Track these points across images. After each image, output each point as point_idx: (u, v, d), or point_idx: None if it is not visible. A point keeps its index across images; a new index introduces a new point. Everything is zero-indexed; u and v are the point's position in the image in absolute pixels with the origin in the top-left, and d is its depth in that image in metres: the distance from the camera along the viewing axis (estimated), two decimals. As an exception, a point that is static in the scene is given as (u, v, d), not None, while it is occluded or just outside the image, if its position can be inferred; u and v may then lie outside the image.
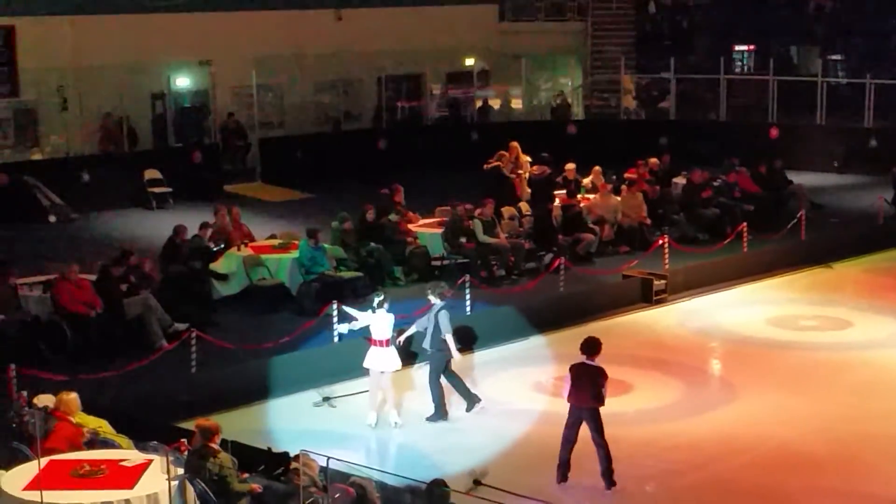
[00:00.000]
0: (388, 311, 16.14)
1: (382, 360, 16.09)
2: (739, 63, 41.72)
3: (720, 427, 16.22)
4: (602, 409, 14.10)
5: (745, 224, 24.50)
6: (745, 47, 41.57)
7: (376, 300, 16.23)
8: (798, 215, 25.41)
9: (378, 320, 16.08)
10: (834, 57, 39.30)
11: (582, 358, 14.15)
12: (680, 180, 27.43)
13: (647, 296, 22.10)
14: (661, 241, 23.21)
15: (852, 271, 24.72)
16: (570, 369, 14.21)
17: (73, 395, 13.63)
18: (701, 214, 25.97)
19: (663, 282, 22.33)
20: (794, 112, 36.81)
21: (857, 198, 30.21)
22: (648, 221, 25.10)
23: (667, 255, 22.99)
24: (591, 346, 14.19)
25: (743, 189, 27.35)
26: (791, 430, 16.01)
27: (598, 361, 14.12)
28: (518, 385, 17.98)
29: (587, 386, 13.97)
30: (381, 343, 16.07)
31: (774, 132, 33.85)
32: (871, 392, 17.48)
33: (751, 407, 17.00)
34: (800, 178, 29.73)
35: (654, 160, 28.07)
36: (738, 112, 37.45)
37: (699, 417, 16.61)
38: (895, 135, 34.15)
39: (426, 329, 16.43)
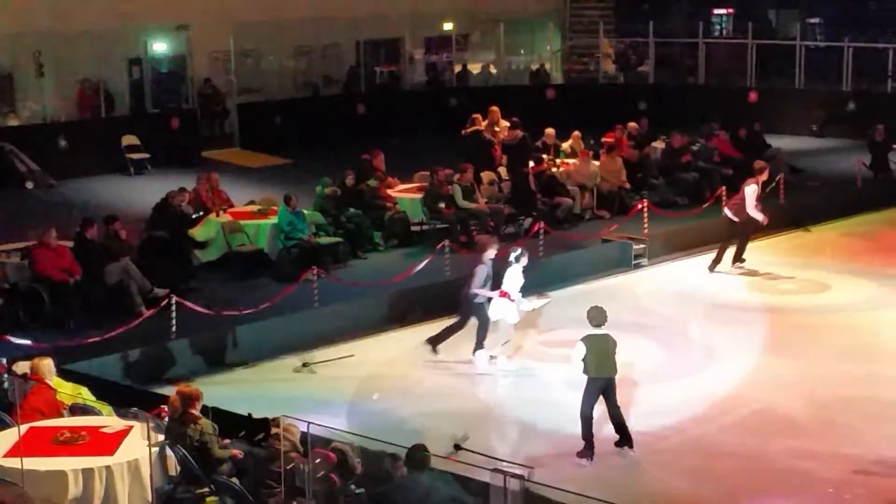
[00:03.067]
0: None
1: (510, 311, 16.75)
2: (718, 27, 41.67)
3: (701, 390, 16.27)
4: (581, 374, 14.10)
5: (724, 188, 24.49)
6: (723, 11, 41.54)
7: (513, 255, 16.94)
8: (777, 179, 25.43)
9: (514, 274, 16.72)
10: (812, 20, 39.28)
11: (591, 329, 14.12)
12: (659, 144, 27.41)
13: (627, 260, 22.13)
14: (640, 206, 23.20)
15: (830, 235, 24.80)
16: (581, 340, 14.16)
17: (48, 360, 13.57)
18: (680, 178, 25.96)
19: (643, 246, 22.38)
20: (773, 76, 36.80)
21: (835, 161, 30.25)
22: (628, 186, 25.07)
23: (646, 220, 23.00)
24: (597, 317, 14.16)
25: (722, 153, 27.35)
26: (771, 393, 16.07)
27: (585, 325, 14.11)
28: (498, 349, 17.96)
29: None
30: (507, 295, 16.67)
31: (753, 96, 33.85)
32: (849, 355, 17.55)
33: (731, 370, 17.05)
34: (778, 142, 29.73)
35: (632, 124, 28.01)
36: (717, 76, 37.41)
37: (680, 381, 16.66)
38: (873, 98, 34.18)
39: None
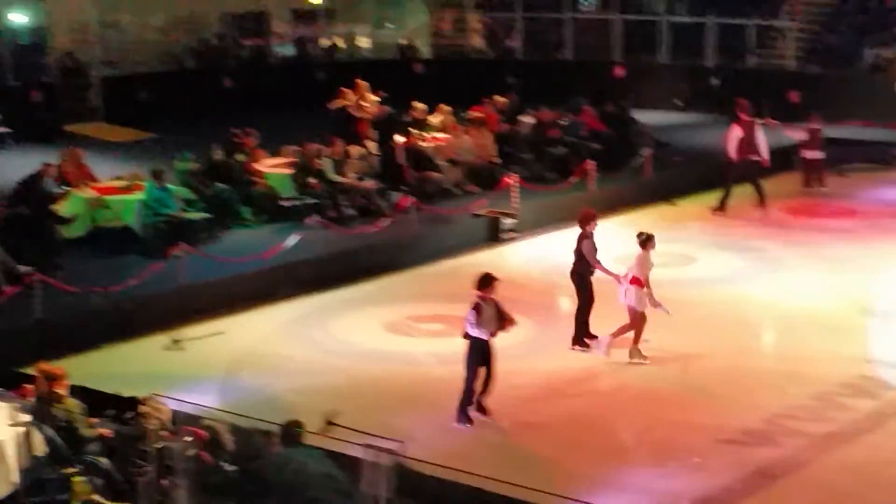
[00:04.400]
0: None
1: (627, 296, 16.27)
2: (585, 2, 41.92)
3: (571, 363, 16.42)
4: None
5: (592, 162, 24.74)
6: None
7: (640, 239, 16.33)
8: (643, 153, 25.75)
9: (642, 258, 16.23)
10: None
11: (478, 294, 14.18)
12: (528, 119, 27.53)
13: (498, 234, 22.23)
14: (509, 180, 23.31)
15: (696, 208, 25.18)
16: (470, 306, 14.20)
17: None
18: (549, 153, 26.13)
19: (512, 221, 22.49)
20: (639, 51, 37.20)
21: (699, 136, 30.70)
22: (497, 160, 25.16)
23: (516, 194, 23.11)
24: (487, 280, 14.24)
25: (590, 128, 27.60)
26: (638, 366, 16.27)
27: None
28: (370, 325, 17.96)
29: (489, 322, 14.10)
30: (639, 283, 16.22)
31: (620, 71, 34.20)
32: (715, 326, 17.85)
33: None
34: (645, 117, 30.06)
35: (501, 99, 28.12)
36: (584, 51, 37.69)
37: (550, 354, 16.78)
38: (736, 74, 34.76)
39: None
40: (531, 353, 16.62)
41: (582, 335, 16.84)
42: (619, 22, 37.09)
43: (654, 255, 16.71)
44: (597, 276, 16.89)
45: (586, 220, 16.98)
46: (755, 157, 24.59)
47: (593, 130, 27.51)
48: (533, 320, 17.91)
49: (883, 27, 34.56)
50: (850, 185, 26.47)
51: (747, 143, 24.55)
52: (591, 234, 16.90)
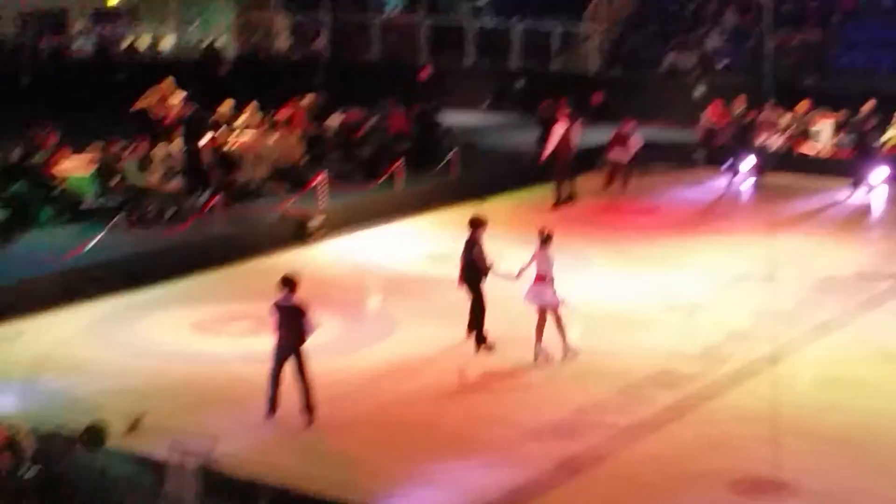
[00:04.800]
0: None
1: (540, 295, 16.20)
2: (392, 4, 42.00)
3: (379, 361, 16.41)
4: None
5: (400, 162, 24.80)
6: (396, -11, 41.89)
7: (541, 236, 16.32)
8: (451, 153, 25.92)
9: (541, 257, 16.18)
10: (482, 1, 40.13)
11: (282, 295, 13.99)
12: (335, 119, 27.46)
13: (305, 234, 22.11)
14: (317, 180, 23.20)
15: (502, 207, 25.41)
16: (273, 307, 14.03)
17: None
18: (356, 153, 26.11)
19: (320, 220, 22.40)
20: (446, 53, 37.43)
21: (506, 137, 31.05)
22: (304, 159, 25.02)
23: (324, 194, 23.00)
24: (289, 282, 14.10)
25: (397, 129, 27.67)
26: (448, 363, 16.35)
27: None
28: (177, 326, 17.66)
29: (292, 324, 13.91)
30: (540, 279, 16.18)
31: (426, 73, 34.32)
32: (522, 323, 17.99)
33: (409, 340, 17.27)
34: (452, 118, 30.31)
35: (308, 99, 27.99)
36: (391, 52, 37.78)
37: (358, 353, 16.76)
38: (541, 76, 35.25)
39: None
40: (340, 352, 16.54)
41: (482, 338, 16.86)
42: (425, 23, 37.28)
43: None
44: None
45: (477, 226, 17.00)
46: (567, 153, 25.24)
47: (401, 131, 27.59)
48: (343, 318, 17.84)
49: (681, 32, 35.49)
50: (652, 185, 27.07)
51: (564, 141, 25.18)
52: (481, 239, 16.89)
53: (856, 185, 26.50)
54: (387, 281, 20.39)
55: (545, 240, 16.46)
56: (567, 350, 16.50)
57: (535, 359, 16.38)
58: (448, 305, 18.78)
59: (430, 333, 17.53)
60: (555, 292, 16.37)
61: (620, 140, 26.99)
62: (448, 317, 18.18)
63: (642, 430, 14.27)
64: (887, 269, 20.78)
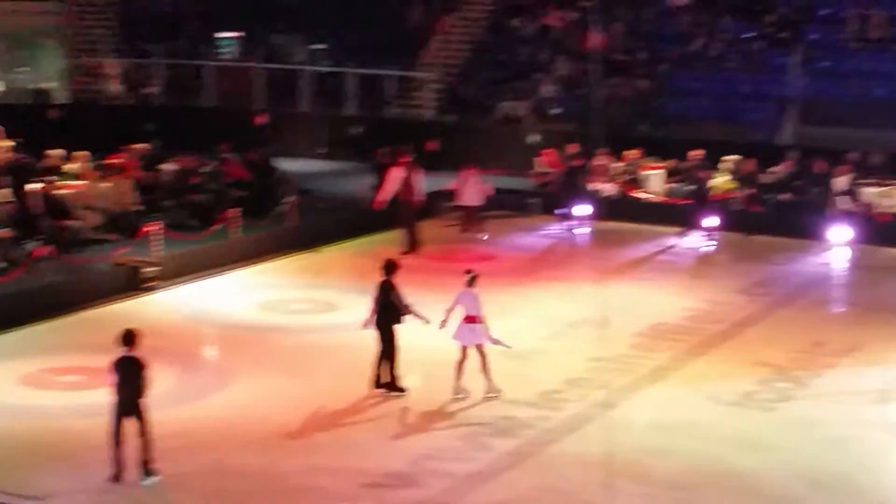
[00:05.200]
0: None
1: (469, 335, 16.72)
2: (226, 49, 41.74)
3: (215, 412, 16.22)
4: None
5: (235, 210, 24.61)
6: (231, 34, 41.64)
7: (468, 277, 16.92)
8: (287, 201, 25.82)
9: (467, 297, 16.73)
10: (318, 46, 40.16)
11: (121, 351, 13.70)
12: (169, 166, 27.14)
13: (139, 283, 21.76)
14: (151, 228, 22.87)
15: (339, 255, 25.43)
16: (112, 364, 13.71)
17: None
18: (191, 200, 25.82)
19: (154, 269, 22.07)
20: (282, 99, 37.35)
21: (342, 183, 31.06)
22: (138, 207, 24.65)
23: (158, 242, 22.69)
24: (129, 338, 13.83)
25: (232, 175, 27.47)
26: (285, 412, 16.22)
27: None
28: (3, 379, 17.18)
29: (130, 379, 13.62)
30: (471, 319, 16.68)
31: (262, 119, 34.18)
32: (358, 371, 17.94)
33: (245, 391, 17.11)
34: (288, 165, 30.22)
35: (141, 146, 27.63)
36: (226, 99, 37.53)
37: (193, 404, 16.54)
38: (377, 122, 35.41)
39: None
40: (173, 404, 16.21)
41: (396, 384, 16.94)
42: (261, 70, 37.18)
43: (299, 302, 16.80)
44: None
45: (392, 270, 17.18)
46: (412, 199, 25.50)
47: (236, 178, 27.39)
48: (176, 370, 17.57)
49: (515, 80, 36.00)
50: (488, 232, 27.30)
51: (408, 188, 25.41)
52: (396, 283, 17.02)
53: (687, 231, 27.13)
54: (222, 330, 20.17)
55: (471, 281, 16.99)
56: (491, 389, 16.74)
57: (455, 395, 16.70)
58: (283, 355, 18.72)
59: (265, 383, 17.40)
60: (484, 332, 16.79)
61: (470, 186, 27.19)
62: (284, 366, 18.11)
63: (481, 478, 14.34)
64: (715, 315, 21.29)
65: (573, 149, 29.61)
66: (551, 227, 28.32)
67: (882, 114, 31.89)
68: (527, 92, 35.74)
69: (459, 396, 16.80)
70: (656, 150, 31.04)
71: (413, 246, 25.47)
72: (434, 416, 16.20)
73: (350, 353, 18.81)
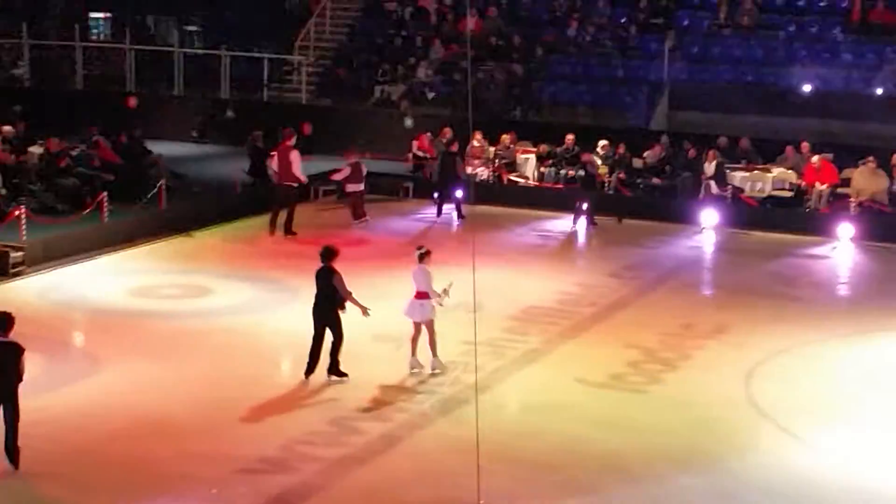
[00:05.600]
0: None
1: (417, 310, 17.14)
2: (96, 31, 41.09)
3: (83, 399, 15.98)
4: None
5: (105, 193, 24.25)
6: (100, 14, 41.01)
7: (417, 253, 17.25)
8: (158, 185, 25.51)
9: (419, 273, 17.09)
10: (191, 28, 39.74)
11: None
12: (36, 149, 26.64)
13: (4, 269, 21.32)
14: (17, 212, 22.44)
15: (212, 239, 25.21)
16: None
17: None
18: (59, 184, 25.38)
19: (21, 254, 21.66)
20: (153, 82, 36.90)
21: (215, 167, 30.80)
22: (3, 192, 24.17)
23: (24, 227, 22.27)
24: (2, 322, 13.63)
25: (102, 158, 27.08)
26: (155, 399, 16.04)
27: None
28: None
29: (6, 365, 13.41)
30: (421, 296, 17.04)
31: (133, 101, 33.71)
32: (232, 357, 17.89)
33: (115, 377, 16.87)
34: (160, 148, 29.84)
35: (7, 128, 27.10)
36: (96, 81, 36.95)
37: (61, 391, 16.26)
38: (250, 106, 35.14)
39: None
40: (40, 392, 15.87)
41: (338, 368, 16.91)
42: (130, 52, 36.66)
43: (172, 287, 16.59)
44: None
45: (332, 256, 17.06)
46: (292, 183, 25.39)
47: (106, 161, 26.98)
48: (43, 357, 17.23)
49: (390, 64, 35.98)
50: (369, 216, 27.23)
51: (286, 170, 25.31)
52: (336, 269, 16.94)
53: (577, 216, 27.21)
54: (91, 316, 19.87)
55: (422, 256, 17.26)
56: (436, 365, 17.18)
57: (411, 370, 17.19)
58: (154, 341, 18.50)
59: (136, 369, 17.17)
60: (433, 308, 17.13)
61: (355, 170, 27.05)
62: (155, 352, 17.90)
63: (353, 462, 14.33)
64: (587, 299, 21.53)
65: (448, 133, 29.69)
66: (425, 211, 28.39)
67: (751, 99, 32.55)
68: (402, 76, 35.76)
69: (415, 371, 17.22)
70: (530, 134, 31.29)
71: (274, 228, 25.30)
72: (307, 402, 16.15)
73: (222, 339, 18.69)
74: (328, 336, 16.87)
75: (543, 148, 30.26)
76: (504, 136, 30.49)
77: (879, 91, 32.74)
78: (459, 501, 13.08)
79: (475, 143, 29.92)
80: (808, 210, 27.66)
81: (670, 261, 24.89)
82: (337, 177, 27.15)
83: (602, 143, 29.28)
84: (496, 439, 14.55)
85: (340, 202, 27.79)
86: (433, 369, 17.24)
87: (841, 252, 25.88)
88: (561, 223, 27.54)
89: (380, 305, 17.66)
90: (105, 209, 24.11)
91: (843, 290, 23.78)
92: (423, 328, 17.27)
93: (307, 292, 21.06)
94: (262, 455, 14.33)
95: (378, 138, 32.04)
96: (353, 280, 20.93)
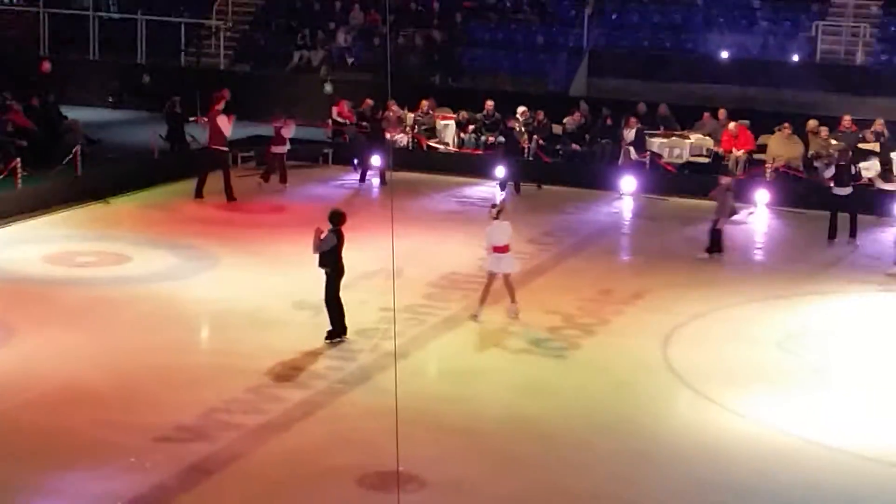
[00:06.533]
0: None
1: (501, 263, 18.10)
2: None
3: (-2, 367, 15.76)
4: None
5: (18, 159, 23.87)
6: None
7: (493, 211, 18.35)
8: (73, 150, 25.16)
9: (496, 229, 18.08)
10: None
11: None
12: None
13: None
14: (-71, 178, 22.06)
15: (129, 206, 24.95)
16: None
17: None
18: (-28, 150, 24.96)
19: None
20: (68, 46, 36.35)
21: (132, 133, 30.44)
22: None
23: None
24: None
25: (16, 124, 26.62)
26: (72, 367, 15.87)
27: None
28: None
29: None
30: (501, 249, 18.00)
31: (46, 66, 33.12)
32: (150, 324, 17.74)
33: (31, 347, 16.65)
34: (74, 113, 29.48)
35: (-81, 93, 26.60)
36: (7, 44, 36.30)
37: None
38: (167, 71, 34.74)
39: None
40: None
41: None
42: (44, 15, 36.08)
43: (88, 254, 16.32)
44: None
45: (342, 220, 17.04)
46: (222, 147, 25.27)
47: (19, 126, 26.55)
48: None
49: (309, 29, 35.71)
50: (278, 181, 27.07)
51: (215, 134, 25.12)
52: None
53: (503, 185, 27.20)
54: (5, 285, 19.54)
55: (497, 214, 18.28)
56: (512, 310, 18.37)
57: (473, 314, 18.28)
58: (70, 309, 18.29)
59: (51, 338, 16.96)
60: (514, 260, 18.50)
61: (279, 134, 26.89)
62: (70, 320, 17.71)
63: (272, 429, 14.29)
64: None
65: (367, 99, 29.52)
66: (345, 178, 28.30)
67: (669, 66, 32.76)
68: (322, 41, 35.52)
69: (478, 320, 18.13)
70: (450, 100, 31.24)
71: (202, 193, 25.18)
72: (226, 370, 16.03)
73: (142, 307, 18.51)
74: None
75: (464, 114, 30.24)
76: (423, 102, 30.41)
77: (795, 58, 33.09)
78: (379, 467, 13.09)
79: (394, 110, 29.73)
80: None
81: (589, 227, 25.03)
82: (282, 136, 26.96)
83: (521, 109, 29.30)
84: (416, 406, 14.58)
85: (259, 170, 27.56)
86: (510, 314, 18.28)
87: (757, 217, 26.17)
88: (481, 189, 27.57)
89: (299, 273, 17.60)
90: (19, 175, 23.72)
91: (759, 255, 24.07)
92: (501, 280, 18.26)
93: (227, 259, 21.05)
94: (179, 423, 14.23)
95: (298, 104, 31.82)
96: (273, 247, 20.95)
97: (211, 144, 25.28)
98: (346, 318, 17.05)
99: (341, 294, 17.05)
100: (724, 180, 22.27)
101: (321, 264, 16.99)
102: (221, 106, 25.36)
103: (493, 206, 19.05)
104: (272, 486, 12.90)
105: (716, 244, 22.17)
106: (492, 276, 18.28)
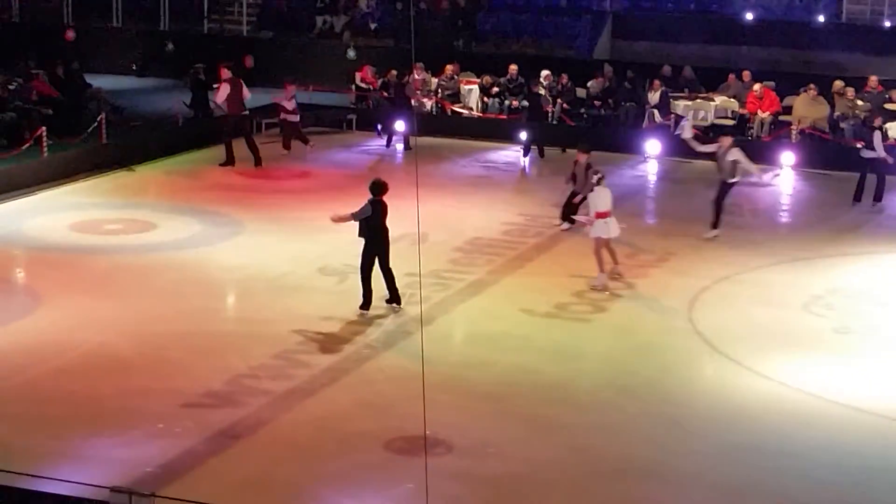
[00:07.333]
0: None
1: (609, 228, 18.25)
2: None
3: (25, 336, 15.84)
4: None
5: (44, 128, 23.93)
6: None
7: (595, 178, 18.62)
8: (98, 119, 25.22)
9: (599, 195, 18.29)
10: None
11: None
12: (-28, 84, 26.24)
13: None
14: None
15: (154, 173, 25.00)
16: None
17: None
18: (-1, 118, 25.06)
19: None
20: (92, 14, 36.36)
21: (156, 101, 30.46)
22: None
23: (-38, 162, 22.01)
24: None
25: (40, 93, 26.70)
26: (99, 335, 15.93)
27: None
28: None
29: None
30: (605, 214, 18.12)
31: (70, 34, 33.20)
32: (177, 291, 17.78)
33: (57, 314, 16.73)
34: (99, 81, 29.49)
35: (-57, 62, 26.66)
36: (33, 13, 36.35)
37: (5, 328, 16.10)
38: (191, 39, 34.73)
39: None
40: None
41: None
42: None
43: (114, 222, 16.36)
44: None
45: (384, 189, 17.18)
46: (245, 113, 25.39)
47: (44, 95, 26.61)
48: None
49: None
50: (305, 149, 27.02)
51: (236, 101, 25.12)
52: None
53: (527, 149, 27.10)
54: (31, 253, 19.65)
55: (599, 180, 18.57)
56: (614, 271, 18.62)
57: (601, 287, 18.27)
58: (95, 277, 18.36)
59: (78, 306, 17.03)
60: (616, 225, 18.45)
61: (292, 101, 26.86)
62: (96, 289, 17.77)
63: (299, 395, 14.33)
64: (532, 229, 21.57)
65: (392, 70, 29.48)
66: (369, 143, 28.28)
67: (693, 28, 32.57)
68: (344, 6, 35.43)
69: (609, 289, 18.24)
70: (473, 65, 31.14)
71: (230, 160, 25.18)
72: (253, 337, 16.07)
73: (167, 274, 18.58)
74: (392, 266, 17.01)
75: (487, 79, 30.14)
76: (447, 67, 30.32)
77: (821, 18, 32.84)
78: (405, 432, 13.14)
79: (418, 75, 29.67)
80: (750, 138, 27.75)
81: (614, 190, 24.76)
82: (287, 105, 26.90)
83: (544, 73, 29.20)
84: (442, 371, 14.62)
85: (282, 133, 27.55)
86: (612, 273, 18.51)
87: (783, 179, 26.05)
88: (505, 154, 27.51)
89: (324, 239, 17.60)
90: (44, 144, 23.79)
91: (784, 217, 23.97)
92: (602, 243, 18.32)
93: (252, 225, 21.08)
94: (207, 389, 14.30)
95: (321, 70, 31.78)
96: (297, 213, 20.98)
97: (229, 111, 25.30)
98: (372, 294, 16.95)
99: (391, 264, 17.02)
100: (725, 140, 21.58)
101: (360, 234, 17.00)
102: (226, 74, 25.35)
103: (596, 172, 19.10)
104: (300, 450, 12.96)
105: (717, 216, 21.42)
106: (599, 242, 18.30)
